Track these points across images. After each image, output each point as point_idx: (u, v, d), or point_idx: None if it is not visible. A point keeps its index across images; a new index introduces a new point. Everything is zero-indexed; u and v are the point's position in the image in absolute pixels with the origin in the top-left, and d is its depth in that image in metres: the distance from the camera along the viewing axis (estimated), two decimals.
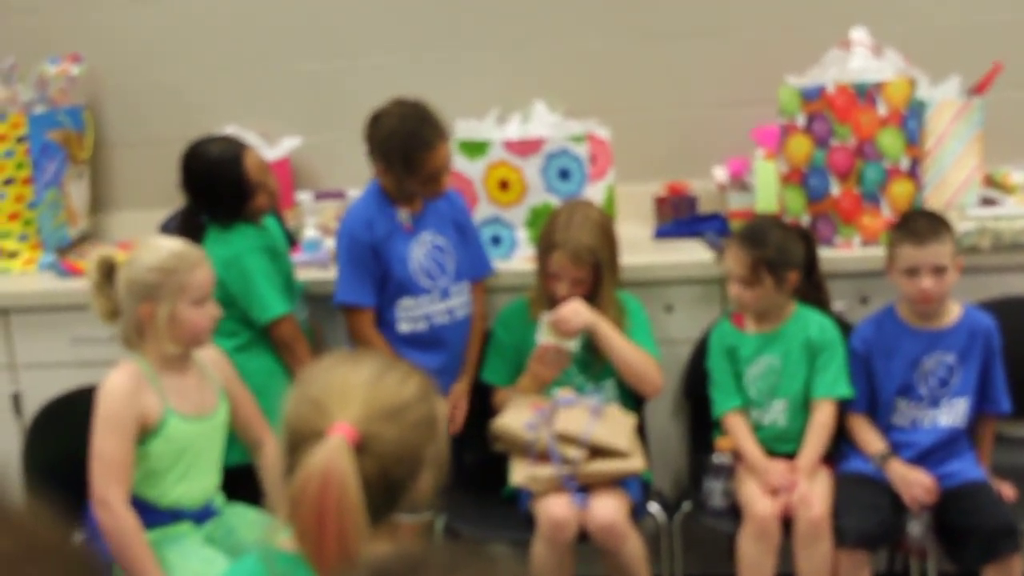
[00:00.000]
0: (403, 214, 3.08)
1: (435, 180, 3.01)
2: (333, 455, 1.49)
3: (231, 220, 3.06)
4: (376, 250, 3.06)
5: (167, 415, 2.66)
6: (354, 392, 1.56)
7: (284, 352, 3.09)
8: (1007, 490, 2.96)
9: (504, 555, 0.97)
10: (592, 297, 3.07)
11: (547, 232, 3.09)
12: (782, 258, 2.99)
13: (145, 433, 2.63)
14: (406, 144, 2.95)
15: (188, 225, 3.10)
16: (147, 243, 2.74)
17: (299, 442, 1.53)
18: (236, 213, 3.06)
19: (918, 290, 2.90)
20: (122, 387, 2.62)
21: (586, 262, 3.03)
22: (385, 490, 1.54)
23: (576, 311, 3.02)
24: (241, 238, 3.04)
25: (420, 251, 3.11)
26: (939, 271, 2.89)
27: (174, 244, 2.72)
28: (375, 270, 3.07)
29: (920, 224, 2.94)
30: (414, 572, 0.92)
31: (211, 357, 2.83)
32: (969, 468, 2.98)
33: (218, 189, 3.04)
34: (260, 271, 3.01)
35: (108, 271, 2.69)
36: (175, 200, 3.13)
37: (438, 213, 3.16)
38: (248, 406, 2.85)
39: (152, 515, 2.64)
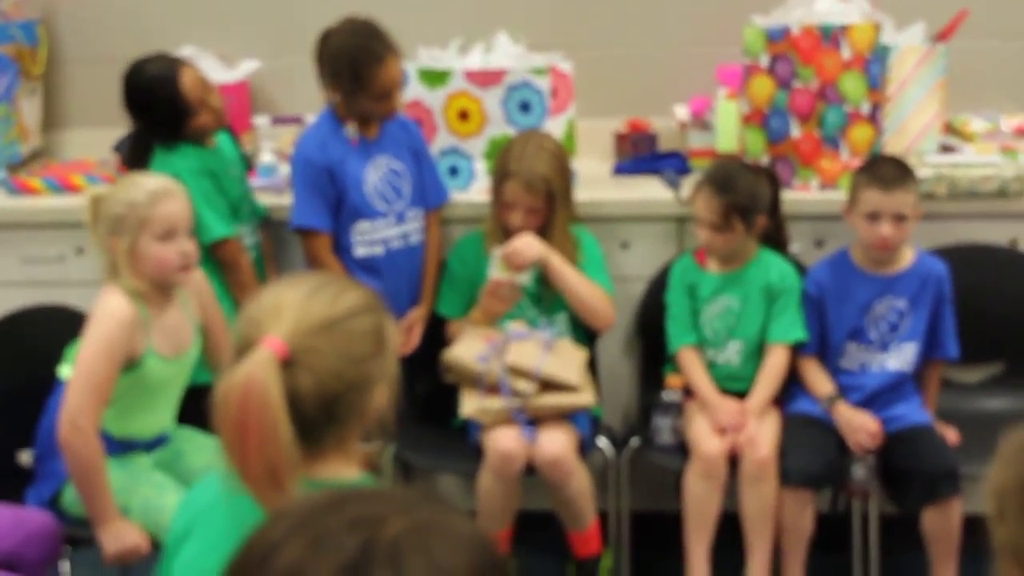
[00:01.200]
0: (351, 129, 3.06)
1: (387, 97, 3.00)
2: (255, 367, 1.47)
3: (174, 140, 3.02)
4: (331, 173, 3.05)
5: (147, 354, 2.62)
6: (287, 307, 1.54)
7: (227, 275, 3.07)
8: (951, 434, 3.00)
9: (451, 504, 0.97)
10: (545, 228, 3.07)
11: (501, 161, 3.08)
12: (752, 203, 2.99)
13: (123, 367, 2.59)
14: (355, 58, 2.95)
15: (136, 146, 3.06)
16: (126, 179, 2.70)
17: (235, 359, 1.52)
18: (176, 132, 3.01)
19: (878, 236, 2.91)
20: (123, 312, 2.56)
21: (540, 191, 3.02)
22: (324, 406, 1.53)
23: (528, 244, 3.02)
24: (182, 159, 3.00)
25: (375, 174, 3.11)
26: (900, 219, 2.90)
27: (150, 179, 2.67)
28: (330, 194, 3.06)
29: (888, 170, 2.94)
30: (362, 503, 0.91)
31: (194, 282, 2.78)
32: (914, 412, 3.01)
33: (155, 108, 2.99)
34: (199, 193, 2.96)
35: (97, 208, 2.63)
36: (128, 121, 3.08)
37: (394, 139, 3.16)
38: (219, 334, 2.81)
39: (103, 444, 2.60)
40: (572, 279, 3.07)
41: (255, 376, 1.47)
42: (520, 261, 3.02)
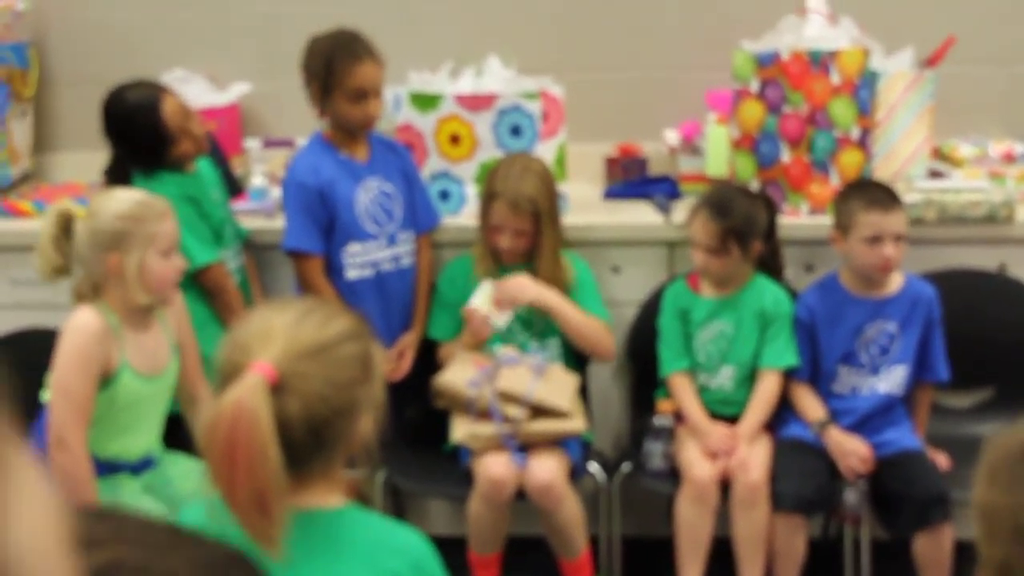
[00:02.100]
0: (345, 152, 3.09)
1: (362, 98, 3.01)
2: (245, 392, 1.47)
3: (153, 167, 3.00)
4: (322, 195, 3.06)
5: (122, 369, 2.61)
6: (276, 332, 1.54)
7: (214, 300, 3.07)
8: (941, 459, 3.00)
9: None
10: (533, 251, 3.08)
11: (488, 184, 3.09)
12: (749, 228, 3.00)
13: (100, 381, 2.58)
14: (332, 54, 2.99)
15: (115, 173, 3.04)
16: (108, 194, 2.67)
17: (222, 384, 1.52)
18: (156, 161, 2.99)
19: (881, 258, 2.91)
20: (92, 325, 2.55)
21: (526, 211, 3.02)
22: (312, 432, 1.52)
23: (521, 287, 3.02)
24: (161, 187, 2.97)
25: (366, 196, 3.12)
26: (899, 239, 2.92)
27: (137, 194, 2.66)
28: (322, 216, 3.07)
29: (881, 193, 2.95)
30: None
31: (176, 302, 2.78)
32: (905, 437, 3.02)
33: (135, 136, 2.98)
34: (181, 220, 2.96)
35: (66, 225, 2.60)
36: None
37: (385, 162, 3.18)
38: (190, 359, 2.81)
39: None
40: (571, 317, 3.07)
41: (245, 401, 1.47)
42: (508, 300, 3.02)
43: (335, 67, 2.98)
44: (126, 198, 2.62)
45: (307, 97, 3.09)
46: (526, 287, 3.03)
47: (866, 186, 3.04)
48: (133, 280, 2.57)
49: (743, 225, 2.98)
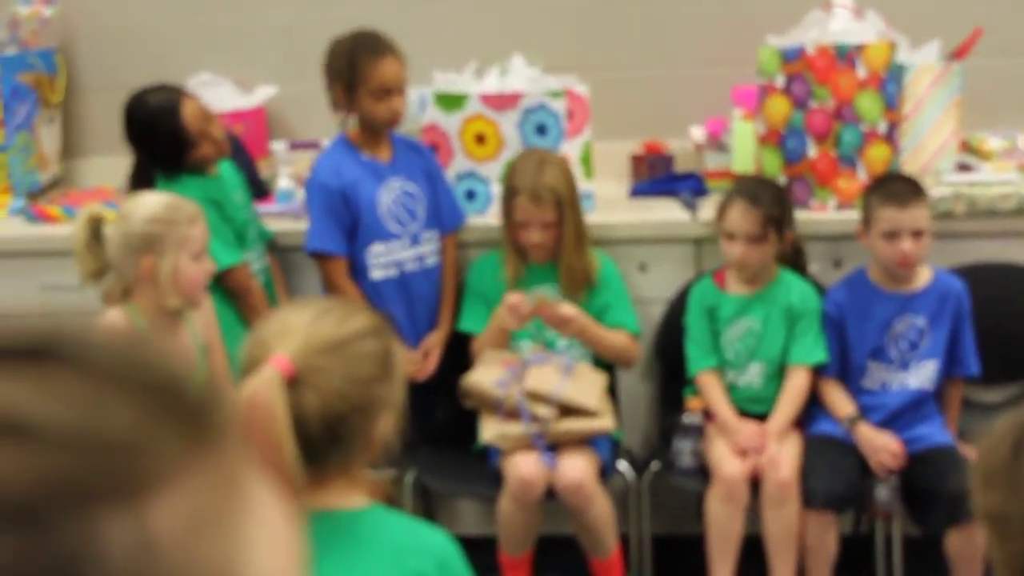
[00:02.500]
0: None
1: (386, 96, 3.02)
2: (261, 384, 1.48)
3: (174, 171, 3.01)
4: (345, 196, 3.08)
5: None
6: (294, 328, 1.55)
7: (238, 301, 3.08)
8: (973, 455, 2.98)
9: None
10: (558, 247, 3.07)
11: (507, 182, 3.09)
12: (783, 213, 3.01)
13: None
14: (354, 51, 3.01)
15: (138, 177, 3.06)
16: (139, 197, 2.68)
17: (242, 378, 1.53)
18: (177, 164, 3.00)
19: (899, 253, 2.90)
20: (120, 327, 2.56)
21: (549, 202, 3.01)
22: (328, 427, 1.52)
23: (564, 321, 2.98)
24: (183, 191, 2.98)
25: (389, 196, 3.13)
26: (918, 234, 2.89)
27: (168, 197, 2.67)
28: (345, 217, 3.09)
29: (900, 187, 2.94)
30: None
31: (204, 303, 2.79)
32: (936, 433, 3.00)
33: (156, 140, 2.99)
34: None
35: (96, 229, 2.60)
36: None
37: (408, 162, 3.19)
38: (217, 362, 2.82)
39: None
40: (599, 337, 3.07)
41: (261, 393, 1.47)
42: (551, 322, 2.99)
43: (358, 65, 3.00)
44: (157, 201, 2.63)
45: (329, 100, 3.10)
46: (569, 325, 2.99)
47: (889, 180, 3.02)
48: (166, 283, 2.58)
49: (779, 211, 2.98)
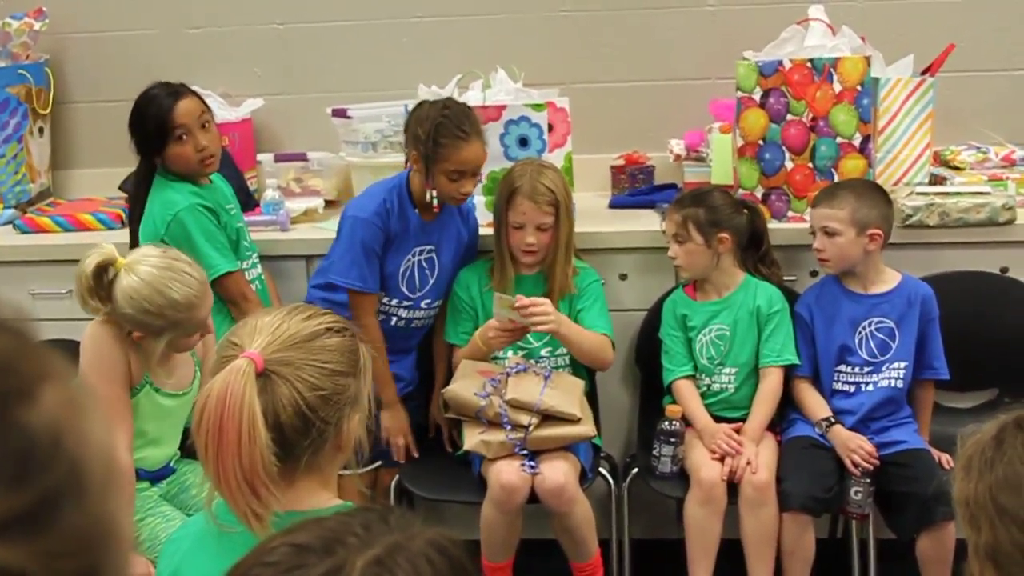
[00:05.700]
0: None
1: (459, 177, 3.02)
2: (232, 375, 1.53)
3: (153, 159, 3.05)
4: (387, 241, 3.11)
5: (144, 384, 2.67)
6: (263, 327, 1.61)
7: (233, 308, 3.12)
8: (946, 460, 3.04)
9: (421, 524, 0.99)
10: (549, 254, 3.13)
11: (505, 184, 3.14)
12: (711, 218, 3.08)
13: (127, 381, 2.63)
14: (440, 126, 2.98)
15: (138, 177, 3.11)
16: (168, 267, 2.59)
17: (214, 373, 1.58)
18: (156, 151, 3.03)
19: (815, 248, 3.05)
20: (108, 333, 2.60)
21: (548, 203, 3.07)
22: (301, 418, 1.57)
23: (543, 320, 3.01)
24: (179, 195, 3.03)
25: (412, 260, 3.17)
26: (829, 234, 3.00)
27: (193, 275, 2.60)
28: (379, 258, 3.12)
29: (826, 190, 3.10)
30: (328, 547, 0.94)
31: None
32: (910, 437, 3.05)
33: (143, 124, 3.03)
34: (199, 230, 3.01)
35: (101, 274, 2.59)
36: (135, 159, 3.13)
37: (444, 229, 3.20)
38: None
39: None
40: (579, 339, 3.11)
41: (232, 383, 1.53)
42: (530, 319, 3.01)
43: (440, 142, 2.98)
44: (186, 284, 2.57)
45: (405, 154, 3.11)
46: (547, 322, 3.01)
47: (831, 185, 3.18)
48: (152, 361, 2.64)
49: (705, 214, 3.07)
